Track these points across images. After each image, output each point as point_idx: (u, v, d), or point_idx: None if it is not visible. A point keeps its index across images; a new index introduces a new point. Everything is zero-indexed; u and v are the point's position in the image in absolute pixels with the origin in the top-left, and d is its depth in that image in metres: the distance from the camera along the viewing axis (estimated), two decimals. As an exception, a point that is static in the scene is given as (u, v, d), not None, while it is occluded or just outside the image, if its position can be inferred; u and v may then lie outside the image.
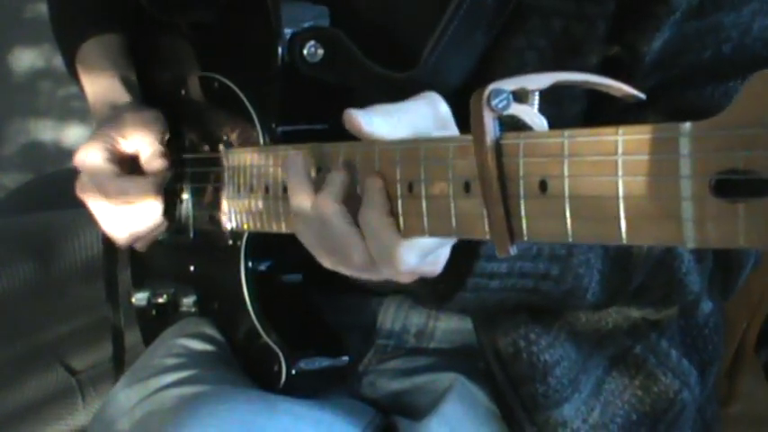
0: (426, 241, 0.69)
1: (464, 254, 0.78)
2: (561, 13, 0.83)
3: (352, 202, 0.72)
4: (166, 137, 1.05)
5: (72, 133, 2.35)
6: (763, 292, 1.21)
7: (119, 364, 1.16)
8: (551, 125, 0.59)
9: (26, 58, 2.41)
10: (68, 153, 1.01)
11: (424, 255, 0.70)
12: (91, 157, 1.01)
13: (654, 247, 0.86)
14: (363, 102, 0.90)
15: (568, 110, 0.85)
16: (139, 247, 1.08)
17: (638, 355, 0.96)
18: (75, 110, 2.31)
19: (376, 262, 0.71)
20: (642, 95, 0.61)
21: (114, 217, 1.02)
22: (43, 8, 1.18)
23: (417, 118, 0.70)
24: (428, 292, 0.83)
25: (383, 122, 0.70)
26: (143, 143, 1.03)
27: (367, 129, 0.70)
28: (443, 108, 0.71)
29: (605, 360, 0.95)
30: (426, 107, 0.71)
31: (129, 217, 1.02)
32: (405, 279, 0.73)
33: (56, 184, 1.38)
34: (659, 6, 0.82)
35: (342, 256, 0.73)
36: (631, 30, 0.83)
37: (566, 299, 0.88)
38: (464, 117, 0.63)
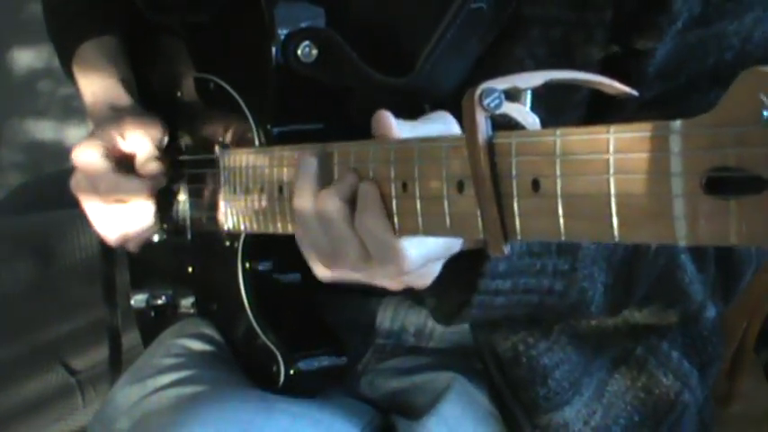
0: (430, 243, 0.70)
1: (468, 271, 0.79)
2: (561, 22, 0.84)
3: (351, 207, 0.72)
4: (165, 140, 1.05)
5: (72, 133, 2.35)
6: (763, 293, 1.21)
7: (116, 366, 1.16)
8: None
9: (26, 58, 2.41)
10: (68, 153, 1.00)
11: (427, 255, 0.70)
12: (88, 153, 1.02)
13: (657, 258, 0.87)
14: (358, 102, 0.91)
15: (570, 118, 0.85)
16: (131, 247, 1.08)
17: (640, 357, 0.96)
18: (75, 110, 2.31)
19: (376, 263, 0.71)
20: (634, 92, 0.61)
21: (105, 215, 1.03)
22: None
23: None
24: (434, 309, 0.84)
25: (411, 133, 0.70)
26: (141, 145, 1.03)
27: (395, 134, 0.70)
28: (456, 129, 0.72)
29: (608, 362, 0.96)
30: (443, 126, 0.72)
31: (120, 217, 1.02)
32: (394, 286, 0.74)
33: (56, 184, 1.38)
34: (660, 16, 0.82)
35: (336, 257, 0.73)
36: (633, 39, 0.83)
37: (570, 311, 0.88)
38: (460, 123, 0.63)
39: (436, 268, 0.74)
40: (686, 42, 0.84)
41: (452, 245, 0.72)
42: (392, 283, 0.74)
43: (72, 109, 2.33)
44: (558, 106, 0.82)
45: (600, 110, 0.81)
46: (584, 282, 0.85)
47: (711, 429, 1.05)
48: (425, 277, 0.75)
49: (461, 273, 0.78)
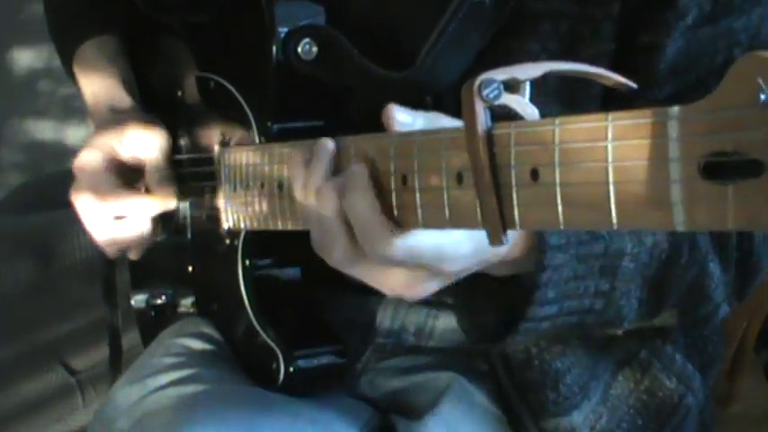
0: (420, 236, 0.69)
1: (516, 298, 0.79)
2: (568, 16, 0.84)
3: None
4: (169, 146, 1.05)
5: (72, 133, 2.36)
6: (763, 293, 1.21)
7: (115, 366, 1.16)
8: None
9: (26, 59, 2.42)
10: (68, 153, 1.01)
11: (416, 246, 0.70)
12: (91, 163, 1.01)
13: (688, 270, 0.87)
14: (359, 100, 0.91)
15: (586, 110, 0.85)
16: (132, 256, 1.08)
17: (644, 360, 0.96)
18: (75, 110, 2.31)
19: (362, 249, 0.70)
20: (633, 84, 0.61)
21: (103, 227, 1.02)
22: (43, 8, 1.18)
23: None
24: (478, 334, 0.84)
25: (424, 120, 0.70)
26: (146, 155, 1.03)
27: (397, 126, 0.70)
28: None
29: (612, 364, 0.96)
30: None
31: (120, 230, 1.02)
32: (384, 289, 0.74)
33: (56, 184, 1.38)
34: (668, 12, 0.82)
35: (326, 249, 0.73)
36: (641, 34, 0.84)
37: (602, 327, 0.88)
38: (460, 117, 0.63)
39: (429, 285, 0.74)
40: (698, 39, 0.84)
41: (447, 251, 0.71)
42: (382, 283, 0.74)
43: (72, 109, 2.33)
44: (576, 99, 0.82)
45: (611, 107, 0.81)
46: (622, 299, 0.85)
47: (712, 430, 1.05)
48: (412, 288, 0.74)
49: (496, 296, 0.78)
